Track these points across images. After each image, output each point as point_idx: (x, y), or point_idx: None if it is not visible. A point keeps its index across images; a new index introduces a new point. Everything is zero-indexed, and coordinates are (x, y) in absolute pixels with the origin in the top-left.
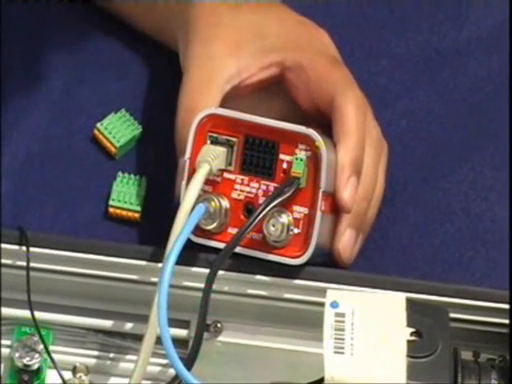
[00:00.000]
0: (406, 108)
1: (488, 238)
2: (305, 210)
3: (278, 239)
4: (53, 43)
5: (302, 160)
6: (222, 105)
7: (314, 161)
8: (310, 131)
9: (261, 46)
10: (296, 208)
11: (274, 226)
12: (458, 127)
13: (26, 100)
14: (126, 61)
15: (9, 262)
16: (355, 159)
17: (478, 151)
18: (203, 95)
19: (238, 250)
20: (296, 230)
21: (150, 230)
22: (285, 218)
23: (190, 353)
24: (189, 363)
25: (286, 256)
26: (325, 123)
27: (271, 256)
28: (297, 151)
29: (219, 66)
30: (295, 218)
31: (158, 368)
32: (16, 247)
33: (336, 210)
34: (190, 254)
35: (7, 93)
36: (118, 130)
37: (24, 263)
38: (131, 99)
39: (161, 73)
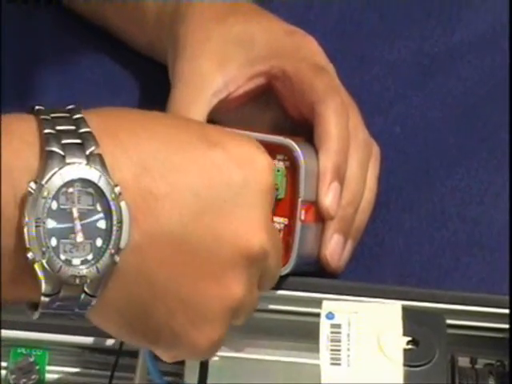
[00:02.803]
0: (399, 114)
1: (484, 242)
2: (285, 221)
3: None
4: (46, 62)
5: (279, 171)
6: (211, 119)
7: (293, 171)
8: (288, 141)
9: (247, 57)
10: (276, 219)
11: None
12: (451, 132)
13: None
14: (117, 78)
15: None
16: (337, 165)
17: (473, 155)
18: (189, 111)
19: None
20: None
21: None
22: None
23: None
24: None
25: None
26: (312, 130)
27: None
28: (275, 162)
29: (206, 81)
30: None
31: None
32: None
33: (322, 218)
34: None
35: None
36: None
37: None
38: None
39: (153, 89)
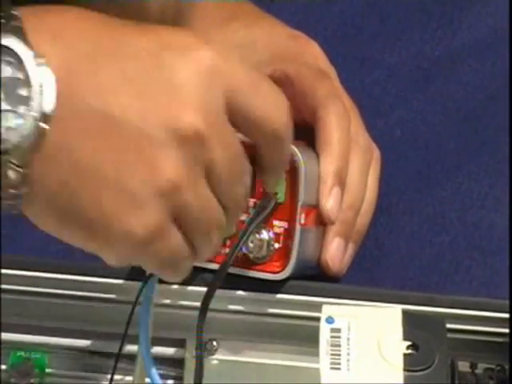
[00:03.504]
0: (400, 117)
1: (485, 246)
2: (284, 225)
3: (258, 255)
4: None
5: None
6: None
7: (293, 175)
8: None
9: (250, 62)
10: (276, 223)
11: (252, 242)
12: (452, 135)
13: None
14: None
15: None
16: (338, 170)
17: (473, 159)
18: None
19: (218, 267)
20: (276, 245)
21: None
22: (265, 234)
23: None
24: None
25: (266, 271)
26: (313, 134)
27: (252, 272)
28: None
29: None
30: (276, 233)
31: None
32: (9, 271)
33: (322, 222)
34: None
35: None
36: None
37: (17, 287)
38: None
39: None
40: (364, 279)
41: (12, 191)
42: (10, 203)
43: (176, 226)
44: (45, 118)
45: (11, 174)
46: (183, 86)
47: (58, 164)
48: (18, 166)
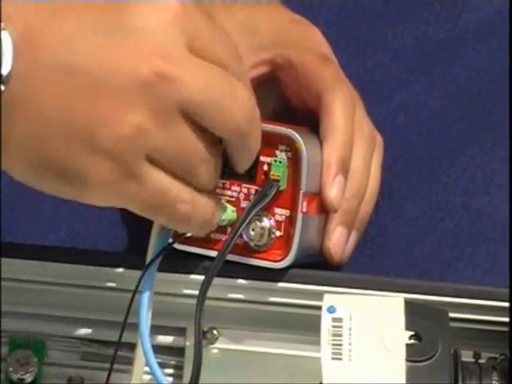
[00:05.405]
0: (402, 102)
1: (488, 232)
2: (286, 213)
3: (258, 243)
4: None
5: (281, 162)
6: None
7: (295, 162)
8: (290, 132)
9: (251, 45)
10: (277, 211)
11: (253, 230)
12: (456, 120)
13: None
14: None
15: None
16: (342, 157)
17: (477, 144)
18: None
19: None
20: (278, 233)
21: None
22: (266, 222)
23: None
24: None
25: (267, 260)
26: (315, 121)
27: (253, 260)
28: (277, 152)
29: None
30: (277, 221)
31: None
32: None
33: (324, 210)
34: (181, 261)
35: None
36: None
37: (16, 275)
38: None
39: None
40: (366, 265)
41: None
42: None
43: (155, 168)
44: (3, 80)
45: None
46: (144, 33)
47: (24, 116)
48: None
